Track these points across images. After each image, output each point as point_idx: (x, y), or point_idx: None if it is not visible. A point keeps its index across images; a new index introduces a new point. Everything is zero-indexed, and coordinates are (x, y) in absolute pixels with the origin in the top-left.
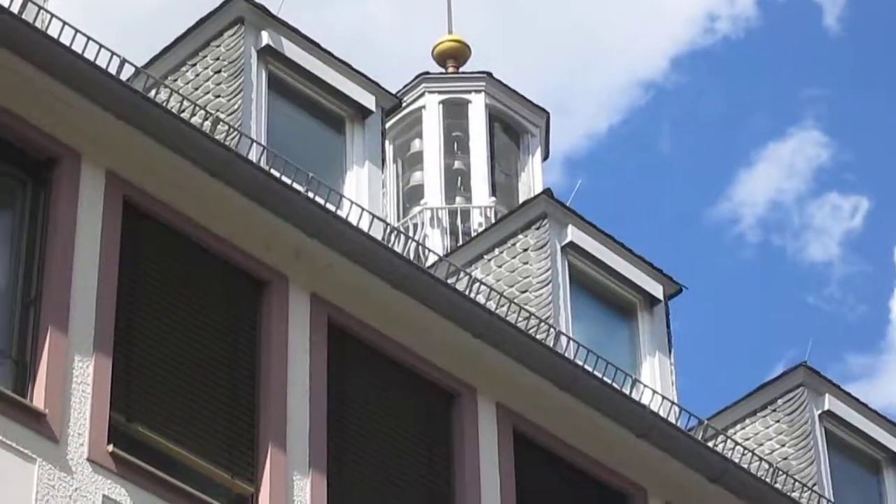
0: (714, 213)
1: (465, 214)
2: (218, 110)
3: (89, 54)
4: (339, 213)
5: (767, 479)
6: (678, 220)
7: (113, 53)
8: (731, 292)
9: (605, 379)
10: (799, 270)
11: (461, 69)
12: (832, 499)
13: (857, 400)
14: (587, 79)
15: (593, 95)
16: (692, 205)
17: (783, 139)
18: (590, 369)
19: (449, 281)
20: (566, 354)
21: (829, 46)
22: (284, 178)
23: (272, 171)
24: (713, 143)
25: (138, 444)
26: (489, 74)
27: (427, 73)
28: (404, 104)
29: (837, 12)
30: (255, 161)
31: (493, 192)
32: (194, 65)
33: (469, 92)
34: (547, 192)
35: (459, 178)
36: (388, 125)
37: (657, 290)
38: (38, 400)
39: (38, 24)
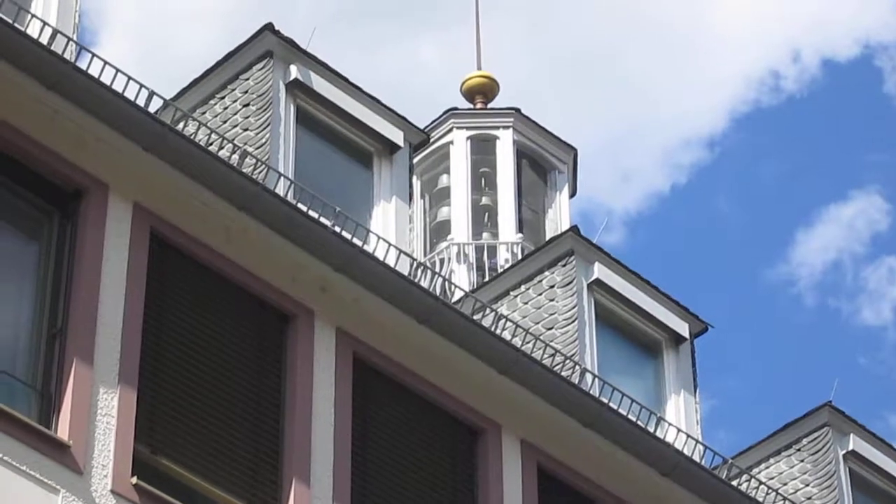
0: (771, 273)
1: (492, 250)
2: (246, 144)
3: (118, 86)
4: (365, 247)
5: None
6: (734, 278)
7: (141, 86)
8: (770, 335)
9: (629, 417)
10: (854, 332)
11: (489, 105)
12: None
13: (881, 440)
14: (646, 136)
15: (653, 153)
16: (750, 264)
17: (844, 202)
18: (615, 407)
19: (475, 317)
20: (591, 392)
21: (891, 112)
22: (311, 213)
23: (299, 205)
24: (773, 204)
25: (162, 476)
26: (517, 111)
27: (455, 108)
28: (432, 139)
29: None
30: (282, 195)
31: (520, 228)
32: (223, 98)
33: (497, 128)
34: (574, 229)
35: (486, 214)
36: (415, 160)
37: (683, 328)
38: (63, 431)
39: (66, 56)
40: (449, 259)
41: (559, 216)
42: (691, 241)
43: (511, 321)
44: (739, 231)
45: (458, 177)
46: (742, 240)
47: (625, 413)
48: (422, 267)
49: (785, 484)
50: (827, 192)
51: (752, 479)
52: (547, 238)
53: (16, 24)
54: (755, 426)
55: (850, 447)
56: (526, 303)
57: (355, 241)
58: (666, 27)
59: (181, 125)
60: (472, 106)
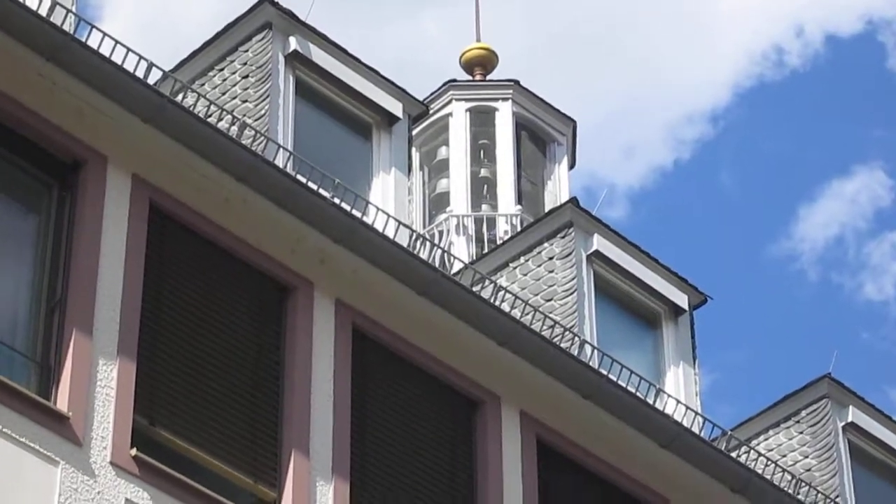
0: (774, 248)
1: (491, 222)
2: (245, 115)
3: (117, 58)
4: (364, 219)
5: (790, 491)
6: (737, 253)
7: (140, 57)
8: (772, 310)
9: (628, 388)
10: (856, 307)
11: (488, 77)
12: None
13: (880, 412)
14: (648, 111)
15: (656, 128)
16: (753, 239)
17: (848, 177)
18: (614, 378)
19: (474, 288)
20: (590, 363)
21: (894, 88)
22: (311, 184)
23: (298, 176)
24: (776, 179)
25: (161, 447)
26: (516, 82)
27: (454, 80)
28: (431, 111)
29: None
30: (281, 166)
31: (519, 200)
32: (222, 69)
33: (496, 100)
34: (573, 200)
35: (486, 186)
36: (414, 132)
37: (682, 299)
38: (62, 403)
39: (66, 28)
40: (448, 231)
41: (558, 188)
42: (694, 216)
43: (510, 293)
44: (742, 206)
45: (458, 148)
46: (745, 215)
47: (624, 385)
48: (421, 238)
49: (784, 455)
50: (830, 167)
51: (752, 451)
52: (546, 210)
53: None
54: (755, 399)
55: (850, 419)
56: (525, 274)
57: (354, 212)
58: (669, 0)
59: (180, 97)
60: (471, 78)
